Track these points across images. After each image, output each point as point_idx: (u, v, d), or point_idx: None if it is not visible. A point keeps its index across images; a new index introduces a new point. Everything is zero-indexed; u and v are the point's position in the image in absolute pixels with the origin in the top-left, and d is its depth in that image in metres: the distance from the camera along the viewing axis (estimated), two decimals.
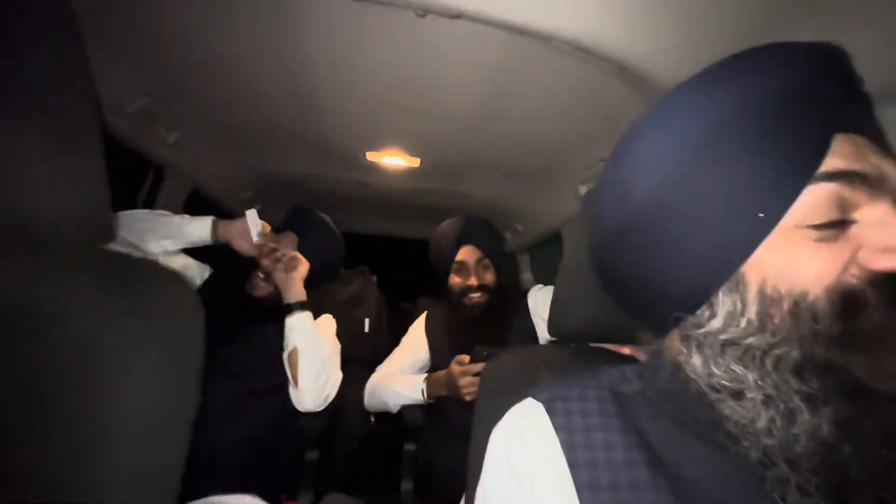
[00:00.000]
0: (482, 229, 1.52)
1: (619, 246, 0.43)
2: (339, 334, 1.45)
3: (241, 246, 1.25)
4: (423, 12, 0.79)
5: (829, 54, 0.38)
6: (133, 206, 1.54)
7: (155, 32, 0.95)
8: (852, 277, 0.34)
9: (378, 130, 1.40)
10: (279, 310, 1.28)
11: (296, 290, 1.28)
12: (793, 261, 0.34)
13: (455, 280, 1.48)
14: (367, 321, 1.95)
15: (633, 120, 0.44)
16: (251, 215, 1.24)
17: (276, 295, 1.31)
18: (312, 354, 1.24)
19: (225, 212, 1.94)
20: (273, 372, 1.28)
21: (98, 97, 0.46)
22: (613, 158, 0.44)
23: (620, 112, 1.04)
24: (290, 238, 1.39)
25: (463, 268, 1.47)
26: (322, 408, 1.27)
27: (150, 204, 1.57)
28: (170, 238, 1.17)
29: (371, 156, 1.59)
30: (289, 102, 1.22)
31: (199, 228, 1.20)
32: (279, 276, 1.28)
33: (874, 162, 0.35)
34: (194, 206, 1.76)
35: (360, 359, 1.74)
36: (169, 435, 0.45)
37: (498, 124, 1.26)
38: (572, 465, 0.38)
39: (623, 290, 0.46)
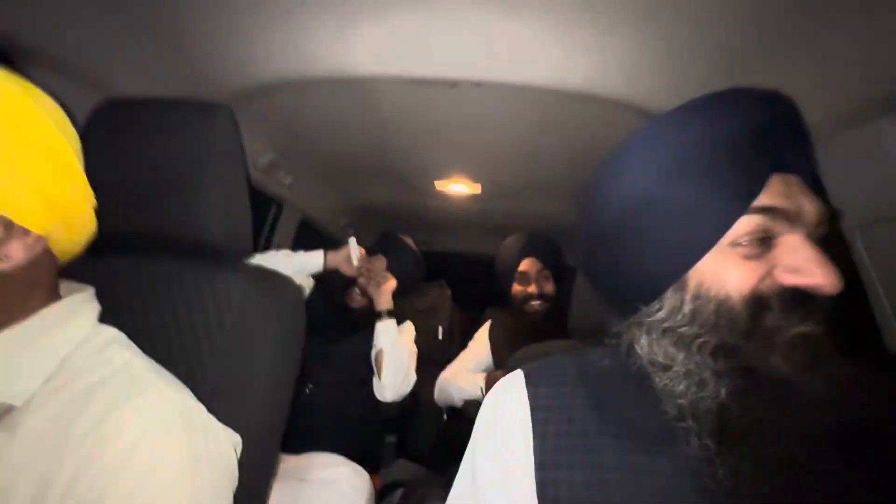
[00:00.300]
0: (543, 243, 1.70)
1: (597, 248, 0.52)
2: (416, 340, 1.71)
3: (345, 269, 1.59)
4: (453, 84, 1.05)
5: (778, 101, 0.46)
6: (260, 234, 2.00)
7: (282, 112, 1.33)
8: (765, 288, 0.42)
9: (443, 164, 1.68)
10: (371, 317, 1.59)
11: (385, 301, 1.58)
12: (723, 271, 0.43)
13: (517, 289, 1.67)
14: (440, 328, 2.21)
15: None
16: (352, 243, 1.57)
17: (368, 305, 1.62)
18: (394, 355, 1.52)
19: (325, 235, 2.35)
20: (363, 366, 1.58)
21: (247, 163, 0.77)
22: (598, 176, 0.52)
23: None
24: (381, 260, 1.69)
25: (524, 278, 1.65)
26: (398, 400, 1.54)
27: (272, 231, 2.02)
28: (293, 271, 1.53)
29: (439, 185, 1.87)
30: (373, 148, 1.56)
31: (314, 261, 1.56)
32: (372, 290, 1.59)
33: (797, 200, 0.43)
34: (303, 231, 2.19)
35: (434, 361, 1.99)
36: (282, 391, 0.71)
37: (545, 149, 1.46)
38: (533, 414, 0.53)
39: (599, 282, 0.56)
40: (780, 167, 0.44)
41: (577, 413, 0.50)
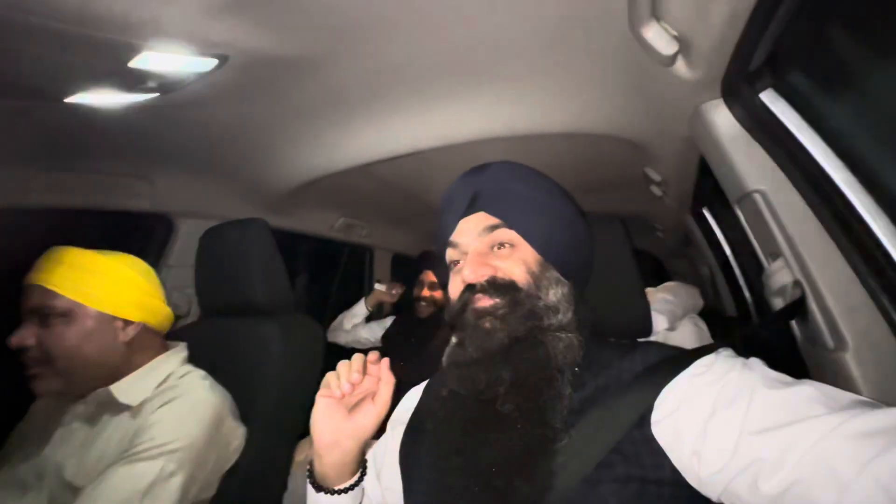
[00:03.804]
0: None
1: None
2: None
3: (387, 300, 2.10)
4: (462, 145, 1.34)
5: (477, 171, 0.70)
6: (362, 274, 2.56)
7: (341, 188, 1.79)
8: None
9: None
10: (439, 321, 1.95)
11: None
12: (449, 285, 0.67)
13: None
14: None
15: None
16: (378, 286, 2.12)
17: (435, 313, 1.99)
18: None
19: (412, 260, 2.79)
20: (438, 359, 1.94)
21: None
22: None
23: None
24: (427, 274, 2.08)
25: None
26: None
27: (371, 269, 2.56)
28: (350, 319, 2.08)
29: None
30: (424, 192, 1.94)
31: (360, 309, 2.08)
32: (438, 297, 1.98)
33: (465, 234, 0.65)
34: (398, 260, 2.70)
35: None
36: (298, 397, 1.10)
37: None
38: None
39: None
40: (469, 212, 0.66)
41: None
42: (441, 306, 1.95)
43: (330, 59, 0.93)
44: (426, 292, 2.03)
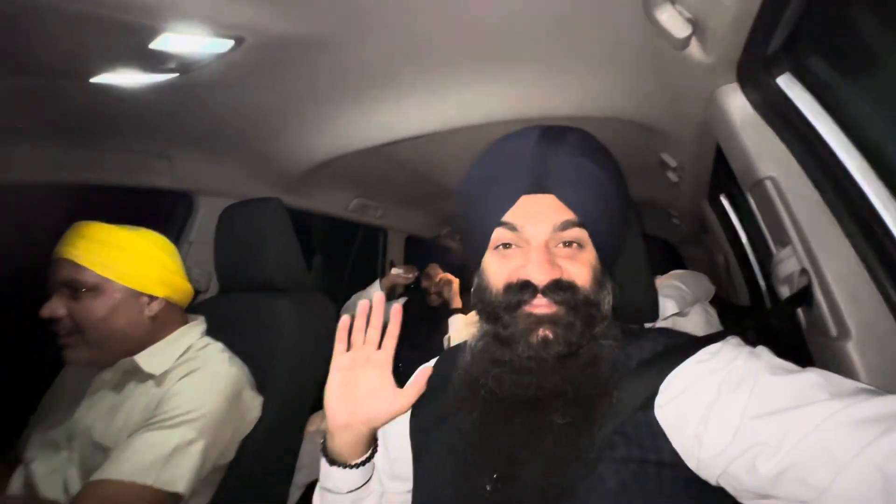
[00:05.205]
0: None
1: None
2: None
3: (401, 282, 2.09)
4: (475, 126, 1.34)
5: (543, 136, 0.59)
6: (376, 255, 2.60)
7: (356, 169, 1.81)
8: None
9: None
10: (446, 311, 1.97)
11: (455, 302, 1.96)
12: (486, 265, 0.61)
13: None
14: None
15: None
16: (394, 270, 2.10)
17: (444, 303, 2.01)
18: (458, 340, 1.88)
19: (428, 242, 2.80)
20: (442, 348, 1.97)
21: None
22: None
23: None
24: (433, 267, 2.09)
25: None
26: None
27: (385, 251, 2.59)
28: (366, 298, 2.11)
29: None
30: (439, 174, 1.95)
31: (375, 288, 2.07)
32: (446, 296, 1.99)
33: (531, 216, 0.57)
34: (412, 241, 2.74)
35: None
36: (309, 370, 1.14)
37: None
38: None
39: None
40: (535, 190, 0.57)
41: None
42: (446, 300, 1.98)
43: (344, 41, 0.93)
44: (433, 287, 2.06)
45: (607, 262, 0.61)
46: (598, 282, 0.58)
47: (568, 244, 0.57)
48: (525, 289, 0.55)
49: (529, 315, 0.55)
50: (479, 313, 0.62)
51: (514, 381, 0.56)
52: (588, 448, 0.51)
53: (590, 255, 0.58)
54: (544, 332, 0.54)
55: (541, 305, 0.55)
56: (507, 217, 0.57)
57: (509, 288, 0.56)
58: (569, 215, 0.56)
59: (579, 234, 0.57)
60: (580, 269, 0.56)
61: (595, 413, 0.53)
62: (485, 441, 0.56)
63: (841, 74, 0.72)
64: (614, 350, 0.57)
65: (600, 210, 0.58)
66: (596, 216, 0.58)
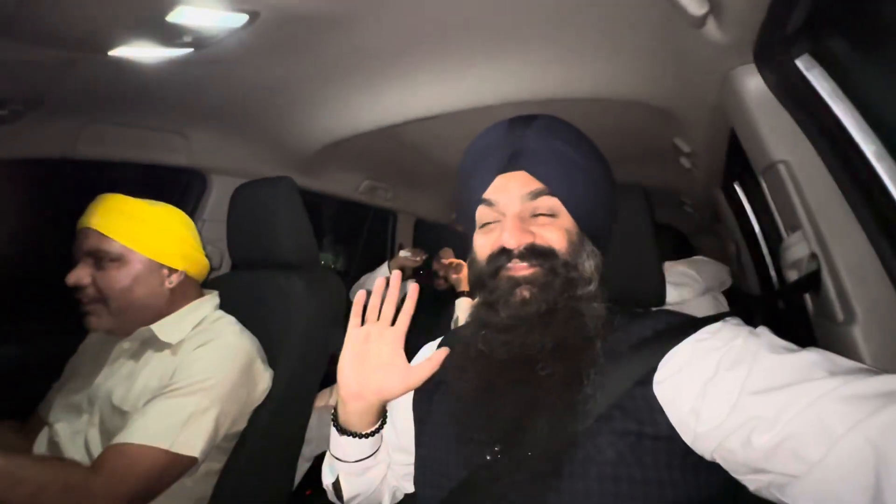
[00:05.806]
0: None
1: None
2: None
3: (409, 264, 2.10)
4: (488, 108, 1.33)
5: (518, 122, 0.65)
6: (385, 238, 2.61)
7: (367, 151, 1.82)
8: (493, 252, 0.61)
9: None
10: (453, 295, 1.99)
11: (461, 283, 1.97)
12: (474, 242, 0.65)
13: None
14: None
15: None
16: (403, 253, 2.11)
17: (451, 287, 2.03)
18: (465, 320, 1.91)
19: (438, 225, 2.81)
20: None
21: None
22: None
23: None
24: (447, 252, 2.08)
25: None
26: None
27: (394, 233, 2.60)
28: (373, 279, 2.10)
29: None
30: (449, 157, 1.94)
31: (384, 269, 2.08)
32: (454, 281, 1.99)
33: (501, 197, 0.61)
34: (421, 225, 2.74)
35: None
36: (321, 343, 1.16)
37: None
38: None
39: None
40: (509, 168, 0.62)
41: None
42: (453, 284, 1.99)
43: (357, 18, 0.93)
44: (442, 271, 2.08)
45: (591, 230, 0.64)
46: (575, 246, 0.61)
47: (544, 214, 0.61)
48: (502, 254, 0.60)
49: (510, 279, 0.59)
50: (472, 287, 0.66)
51: (499, 341, 0.60)
52: (581, 403, 0.54)
53: (565, 221, 0.62)
54: (522, 292, 0.59)
55: (519, 268, 0.59)
56: (486, 195, 0.63)
57: (491, 257, 0.61)
58: (537, 185, 0.61)
59: (551, 202, 0.61)
60: (554, 233, 0.60)
61: (580, 362, 0.56)
62: (482, 406, 0.59)
63: (863, 56, 0.70)
64: (602, 311, 0.60)
65: (571, 180, 0.62)
66: (567, 185, 0.62)
